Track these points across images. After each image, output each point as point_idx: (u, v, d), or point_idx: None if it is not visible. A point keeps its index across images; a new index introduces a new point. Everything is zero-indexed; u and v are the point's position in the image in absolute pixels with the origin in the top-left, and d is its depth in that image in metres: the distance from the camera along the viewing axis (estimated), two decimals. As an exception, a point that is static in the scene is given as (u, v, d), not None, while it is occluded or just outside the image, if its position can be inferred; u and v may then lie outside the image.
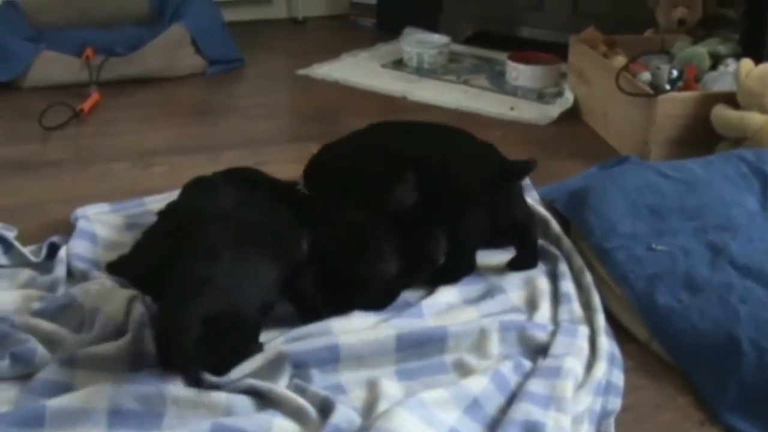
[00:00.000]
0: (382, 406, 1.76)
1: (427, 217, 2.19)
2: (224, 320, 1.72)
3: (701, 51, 3.22)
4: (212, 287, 1.75)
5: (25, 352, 1.88)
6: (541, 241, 2.36)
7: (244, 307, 1.78)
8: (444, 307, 2.12)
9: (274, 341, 1.93)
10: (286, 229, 2.01)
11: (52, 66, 3.66)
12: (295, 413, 1.74)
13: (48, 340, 1.93)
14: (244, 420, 1.69)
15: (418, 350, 1.94)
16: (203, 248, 1.86)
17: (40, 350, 1.89)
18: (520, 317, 2.10)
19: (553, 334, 2.02)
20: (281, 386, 1.83)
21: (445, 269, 2.23)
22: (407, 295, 2.16)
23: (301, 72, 3.97)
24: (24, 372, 1.86)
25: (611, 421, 1.80)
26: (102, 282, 2.10)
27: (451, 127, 2.44)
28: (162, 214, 2.19)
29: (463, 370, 1.92)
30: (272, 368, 1.86)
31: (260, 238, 1.91)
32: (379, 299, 2.10)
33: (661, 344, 2.03)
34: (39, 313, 2.03)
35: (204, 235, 1.92)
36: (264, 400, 1.78)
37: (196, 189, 2.28)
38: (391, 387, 1.85)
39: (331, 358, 1.89)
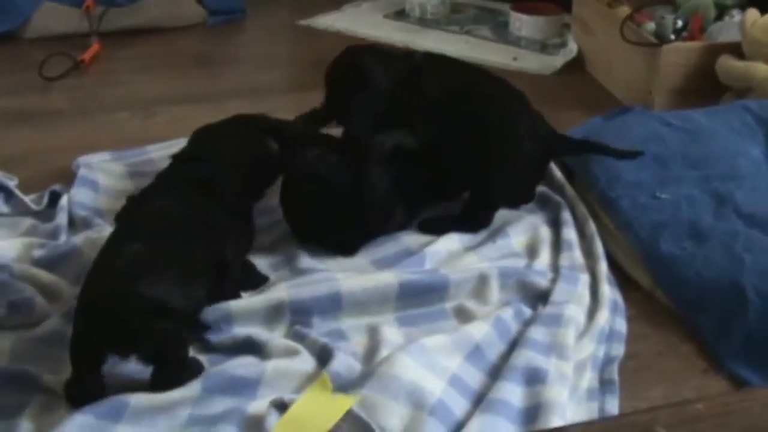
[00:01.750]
0: (383, 353, 1.77)
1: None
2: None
3: (707, 1, 3.19)
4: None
5: (24, 302, 1.88)
6: (544, 189, 2.37)
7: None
8: (445, 254, 2.12)
9: (276, 286, 1.94)
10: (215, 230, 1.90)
11: (53, 16, 3.63)
12: (293, 361, 1.75)
13: (47, 291, 1.93)
14: (236, 364, 1.71)
15: (419, 298, 1.95)
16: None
17: (39, 300, 1.89)
18: (520, 263, 2.11)
19: (554, 281, 2.02)
20: (280, 332, 1.85)
21: (466, 219, 2.24)
22: (409, 241, 2.17)
23: (303, 22, 3.93)
24: (22, 322, 1.85)
25: (614, 368, 1.81)
26: (104, 230, 2.09)
27: (508, 84, 2.40)
28: (176, 158, 2.16)
29: (463, 316, 1.93)
30: (273, 314, 1.87)
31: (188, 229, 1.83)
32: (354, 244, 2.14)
33: (664, 292, 2.03)
34: (40, 261, 2.03)
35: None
36: (262, 351, 1.78)
37: (204, 136, 2.26)
38: (392, 333, 1.86)
39: (333, 305, 1.90)
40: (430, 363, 1.70)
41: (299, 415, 1.59)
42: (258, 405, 1.63)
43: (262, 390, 1.68)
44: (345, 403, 1.60)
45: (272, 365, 1.72)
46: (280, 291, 1.90)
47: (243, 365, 1.73)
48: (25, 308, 1.87)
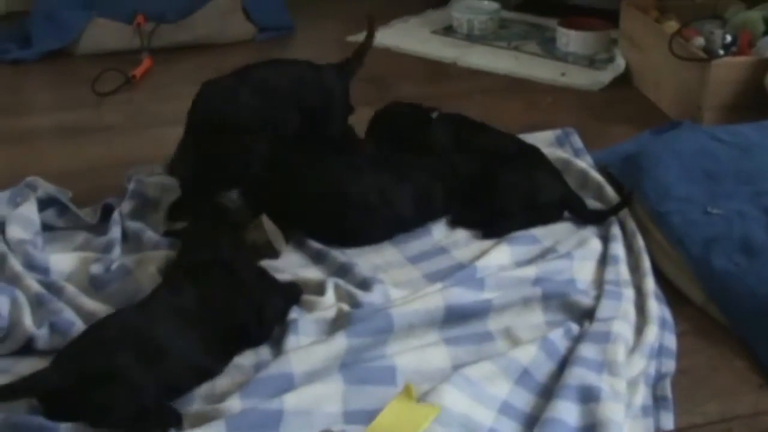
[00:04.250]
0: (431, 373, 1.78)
1: None
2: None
3: (755, 16, 3.18)
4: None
5: (63, 324, 1.89)
6: (597, 205, 2.38)
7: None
8: (496, 268, 2.12)
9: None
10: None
11: (104, 33, 3.67)
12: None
13: (90, 319, 1.90)
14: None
15: (464, 321, 1.95)
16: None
17: (79, 326, 1.88)
18: (568, 277, 2.11)
19: (598, 298, 2.02)
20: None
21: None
22: (460, 255, 2.19)
23: (352, 38, 3.94)
24: (60, 345, 1.81)
25: (667, 383, 1.80)
26: (154, 255, 2.12)
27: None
28: None
29: (509, 339, 1.93)
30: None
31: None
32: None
33: (717, 308, 2.02)
34: (95, 280, 2.05)
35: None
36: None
37: None
38: (438, 355, 1.86)
39: (387, 326, 1.89)
40: (478, 394, 1.71)
41: (386, 423, 1.61)
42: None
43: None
44: (430, 411, 1.62)
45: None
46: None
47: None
48: (63, 330, 1.87)
